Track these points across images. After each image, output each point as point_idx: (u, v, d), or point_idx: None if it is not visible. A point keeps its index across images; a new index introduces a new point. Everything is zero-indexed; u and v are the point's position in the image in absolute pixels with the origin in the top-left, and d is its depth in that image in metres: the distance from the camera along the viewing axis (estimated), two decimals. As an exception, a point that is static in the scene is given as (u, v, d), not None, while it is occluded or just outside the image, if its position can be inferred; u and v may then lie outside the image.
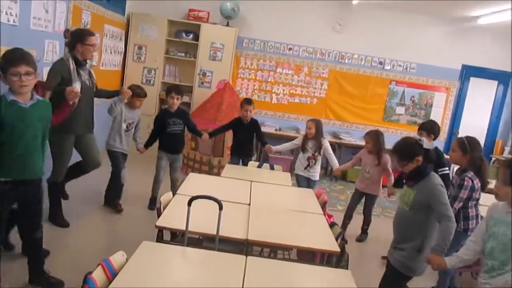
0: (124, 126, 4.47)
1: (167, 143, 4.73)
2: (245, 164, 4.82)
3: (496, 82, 7.82)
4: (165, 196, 3.07)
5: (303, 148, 4.71)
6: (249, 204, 3.26)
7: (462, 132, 7.77)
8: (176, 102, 4.66)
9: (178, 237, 3.23)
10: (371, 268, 3.98)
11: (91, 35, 3.88)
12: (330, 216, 3.38)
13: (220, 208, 2.52)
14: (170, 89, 4.73)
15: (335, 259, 2.72)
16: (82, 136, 4.00)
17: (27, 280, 2.94)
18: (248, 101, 4.84)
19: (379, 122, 7.75)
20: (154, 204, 4.58)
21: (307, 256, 3.21)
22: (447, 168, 4.09)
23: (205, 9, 7.15)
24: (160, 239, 2.76)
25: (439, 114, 7.82)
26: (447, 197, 2.70)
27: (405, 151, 2.81)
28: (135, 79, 6.88)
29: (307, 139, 4.68)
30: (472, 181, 3.31)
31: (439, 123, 7.60)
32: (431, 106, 7.83)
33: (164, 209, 2.92)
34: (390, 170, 4.56)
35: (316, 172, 4.75)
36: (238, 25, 7.21)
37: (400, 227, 2.82)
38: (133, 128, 4.60)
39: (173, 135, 4.71)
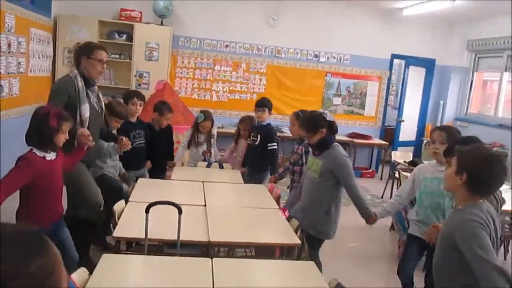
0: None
1: (132, 159, 4.04)
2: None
3: (424, 69, 8.30)
4: (117, 205, 2.96)
5: (196, 142, 4.53)
6: (205, 205, 3.23)
7: (407, 119, 8.22)
8: (139, 109, 4.08)
9: (133, 246, 3.14)
10: (336, 256, 4.06)
11: (100, 49, 3.31)
12: (284, 210, 3.43)
13: (180, 212, 2.48)
14: (130, 94, 4.15)
15: (297, 252, 2.77)
16: (90, 168, 3.44)
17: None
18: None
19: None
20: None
21: (266, 251, 3.24)
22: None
23: (138, 9, 6.95)
24: (117, 250, 2.66)
25: (374, 102, 8.18)
26: (351, 165, 3.09)
27: (310, 124, 3.12)
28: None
29: (198, 133, 4.52)
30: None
31: (374, 111, 8.04)
32: (365, 95, 8.16)
33: (118, 218, 2.81)
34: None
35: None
36: (172, 24, 7.08)
37: (310, 193, 3.16)
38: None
39: (138, 150, 4.07)
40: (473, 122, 7.84)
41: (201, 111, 4.66)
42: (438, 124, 8.36)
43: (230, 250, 3.34)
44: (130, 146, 3.59)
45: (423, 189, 2.94)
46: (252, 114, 4.72)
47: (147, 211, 2.44)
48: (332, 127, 3.10)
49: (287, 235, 2.79)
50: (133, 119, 4.11)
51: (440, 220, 2.80)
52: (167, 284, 2.04)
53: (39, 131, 2.58)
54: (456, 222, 1.94)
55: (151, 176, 4.23)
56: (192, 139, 4.57)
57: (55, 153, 2.68)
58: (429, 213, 2.91)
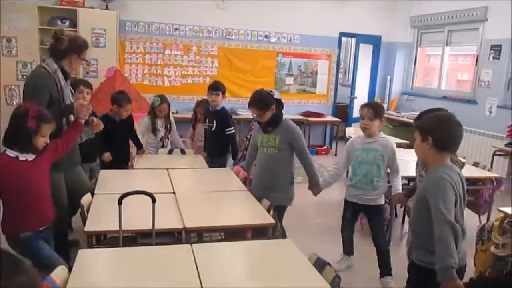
0: None
1: (83, 151, 3.65)
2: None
3: (371, 46, 8.53)
4: (85, 198, 2.87)
5: (153, 129, 4.47)
6: (174, 193, 3.19)
7: (358, 96, 8.43)
8: (87, 98, 3.81)
9: (104, 239, 3.06)
10: (305, 232, 4.14)
11: (87, 48, 3.11)
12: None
13: (153, 201, 2.44)
14: (76, 82, 3.82)
15: (271, 231, 2.81)
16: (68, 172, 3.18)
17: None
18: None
19: (271, 94, 7.99)
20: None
21: (237, 233, 3.26)
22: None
23: (80, -7, 6.62)
24: (90, 244, 2.59)
25: (324, 80, 8.34)
26: (302, 135, 3.38)
27: (261, 103, 3.23)
28: (9, 76, 6.20)
29: (156, 118, 4.47)
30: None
31: (325, 89, 8.19)
32: (316, 73, 8.29)
33: (87, 212, 2.73)
34: None
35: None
36: (118, 8, 6.80)
37: (272, 168, 3.32)
38: None
39: (89, 141, 3.81)
40: (418, 95, 8.21)
41: (156, 96, 4.59)
42: (387, 99, 8.68)
43: (199, 235, 3.33)
44: (102, 126, 3.30)
45: (355, 159, 3.39)
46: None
47: (119, 202, 2.39)
48: (280, 104, 3.27)
49: (261, 216, 2.83)
50: None
51: (369, 186, 3.33)
52: (154, 274, 2.02)
53: (16, 133, 2.41)
54: (430, 179, 2.15)
55: (113, 168, 3.98)
56: (150, 125, 4.50)
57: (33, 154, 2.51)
58: (361, 179, 3.36)
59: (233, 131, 4.36)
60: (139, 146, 4.38)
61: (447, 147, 2.14)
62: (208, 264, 2.13)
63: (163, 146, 4.56)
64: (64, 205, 3.08)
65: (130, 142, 4.40)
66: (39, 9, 6.37)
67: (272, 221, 2.75)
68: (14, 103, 6.23)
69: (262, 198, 3.08)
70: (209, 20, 7.47)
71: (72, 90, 3.26)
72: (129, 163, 4.28)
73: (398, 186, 3.35)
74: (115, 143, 4.10)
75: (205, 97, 4.71)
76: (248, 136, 4.11)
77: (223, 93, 4.34)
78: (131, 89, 6.30)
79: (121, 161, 4.15)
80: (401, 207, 4.61)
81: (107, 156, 4.04)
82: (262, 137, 3.34)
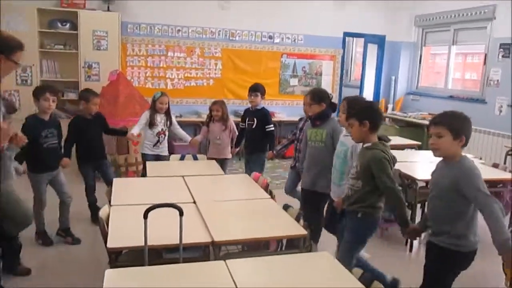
0: None
1: (46, 160, 3.69)
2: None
3: (376, 46, 8.41)
4: (103, 211, 2.69)
5: (151, 123, 4.55)
6: (194, 202, 3.03)
7: (365, 96, 8.29)
8: (52, 105, 3.65)
9: (123, 255, 2.88)
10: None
11: (22, 49, 2.77)
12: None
13: (181, 214, 2.28)
14: (43, 89, 3.66)
15: (303, 242, 2.65)
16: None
17: None
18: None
19: (275, 95, 7.86)
20: (47, 238, 3.81)
21: (259, 245, 3.09)
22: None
23: (80, -6, 6.43)
24: (113, 262, 2.41)
25: (329, 81, 8.20)
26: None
27: (316, 95, 3.68)
28: (8, 81, 5.97)
29: (155, 113, 4.56)
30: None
31: (330, 90, 8.05)
32: (321, 74, 8.16)
33: (107, 226, 2.56)
34: (236, 131, 4.88)
35: (165, 148, 4.72)
36: (120, 10, 6.62)
37: (318, 158, 3.60)
38: None
39: (52, 150, 3.71)
40: (424, 95, 8.10)
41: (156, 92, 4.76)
42: (392, 99, 8.57)
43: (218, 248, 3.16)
44: (26, 140, 3.00)
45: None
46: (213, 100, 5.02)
47: (145, 216, 2.22)
48: (332, 105, 3.71)
49: (292, 226, 2.68)
50: (46, 117, 3.66)
51: (341, 180, 3.23)
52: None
53: None
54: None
55: (89, 163, 4.23)
56: (150, 119, 4.56)
57: None
58: (335, 172, 3.36)
59: (273, 128, 4.70)
60: (123, 133, 4.65)
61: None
62: (247, 281, 1.97)
63: (158, 141, 4.61)
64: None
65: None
66: (38, 11, 6.17)
67: (305, 232, 2.60)
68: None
69: (311, 190, 3.63)
70: (212, 21, 7.30)
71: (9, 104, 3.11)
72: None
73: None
74: (89, 139, 4.20)
75: (211, 100, 5.02)
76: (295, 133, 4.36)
77: (262, 94, 4.70)
78: (134, 93, 6.15)
79: (97, 156, 4.30)
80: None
81: (66, 161, 3.89)
82: (310, 132, 3.67)
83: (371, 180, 2.67)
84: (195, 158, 4.37)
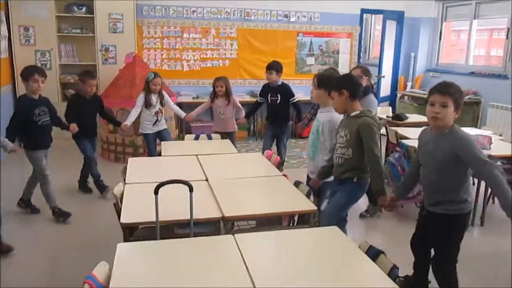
0: None
1: (41, 137, 3.90)
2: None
3: (394, 23, 8.23)
4: (117, 189, 2.76)
5: (148, 104, 4.74)
6: (207, 180, 3.07)
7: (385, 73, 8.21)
8: (42, 86, 3.81)
9: (138, 230, 2.96)
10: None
11: None
12: (285, 176, 3.32)
13: (191, 190, 2.32)
14: (31, 70, 3.77)
15: (312, 217, 2.67)
16: None
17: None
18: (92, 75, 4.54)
19: (292, 75, 7.80)
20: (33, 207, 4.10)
21: (270, 221, 3.13)
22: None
23: (95, -23, 6.46)
24: (127, 236, 2.48)
25: (347, 59, 8.09)
26: None
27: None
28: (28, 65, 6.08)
29: (150, 94, 4.73)
30: None
31: (347, 68, 7.94)
32: (338, 52, 8.05)
33: (121, 203, 2.63)
34: (240, 105, 5.12)
35: (163, 122, 4.95)
36: (135, -8, 6.65)
37: None
38: None
39: (46, 127, 3.93)
40: (444, 72, 7.91)
41: (150, 72, 4.92)
42: (411, 77, 8.41)
43: (231, 224, 3.21)
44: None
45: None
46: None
47: (156, 192, 2.27)
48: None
49: (302, 202, 2.70)
50: (36, 96, 3.84)
51: (314, 155, 3.26)
52: (199, 266, 1.90)
53: None
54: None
55: (82, 140, 4.46)
56: (145, 101, 4.73)
57: None
58: (309, 148, 3.35)
59: (297, 99, 5.03)
60: (116, 123, 4.87)
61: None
62: (254, 254, 2.01)
63: (157, 120, 4.82)
64: None
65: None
66: (55, -5, 6.25)
67: (315, 207, 2.62)
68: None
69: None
70: (227, 1, 7.26)
71: None
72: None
73: (318, 166, 3.19)
74: (83, 117, 4.40)
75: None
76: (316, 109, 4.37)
77: (278, 72, 4.94)
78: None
79: (89, 134, 4.55)
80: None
81: (73, 126, 4.20)
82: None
83: (362, 146, 2.76)
84: (210, 138, 4.41)
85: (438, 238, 2.54)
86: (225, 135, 4.77)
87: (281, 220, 3.06)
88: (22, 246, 3.44)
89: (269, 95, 5.01)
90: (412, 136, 4.43)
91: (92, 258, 1.99)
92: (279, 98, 4.96)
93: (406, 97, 8.04)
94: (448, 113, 2.32)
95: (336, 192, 2.97)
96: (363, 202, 4.01)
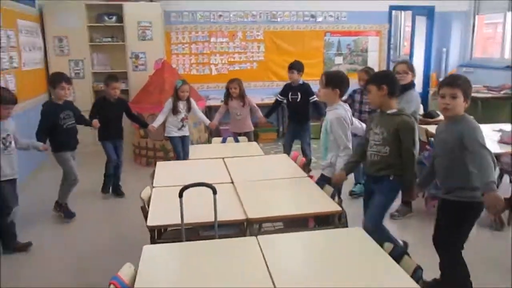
0: None
1: (67, 139, 4.11)
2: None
3: (424, 18, 8.06)
4: (144, 192, 2.84)
5: (174, 110, 4.80)
6: (232, 182, 3.11)
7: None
8: (68, 93, 4.10)
9: (165, 233, 3.03)
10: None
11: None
12: (311, 177, 3.32)
13: (214, 192, 2.36)
14: (59, 78, 4.02)
15: (337, 218, 2.66)
16: None
17: None
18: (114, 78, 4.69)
19: (320, 75, 7.71)
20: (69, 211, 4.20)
21: (297, 223, 3.13)
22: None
23: (124, -13, 6.64)
24: (153, 239, 2.54)
25: (376, 57, 7.97)
26: None
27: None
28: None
29: (178, 100, 4.79)
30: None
31: (377, 66, 7.82)
32: (366, 51, 7.94)
33: (148, 206, 2.69)
34: (255, 105, 5.20)
35: (187, 129, 4.97)
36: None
37: None
38: (12, 141, 3.47)
39: (71, 130, 4.14)
40: (478, 66, 7.68)
41: (178, 79, 5.01)
42: (443, 73, 8.20)
43: (259, 225, 3.23)
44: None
45: None
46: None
47: (180, 195, 2.32)
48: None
49: (326, 203, 2.69)
50: (60, 102, 4.08)
51: (323, 155, 3.34)
52: (221, 268, 1.94)
53: None
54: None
55: (107, 141, 4.67)
56: (173, 107, 4.80)
57: None
58: (322, 148, 3.41)
59: (316, 98, 5.01)
60: (143, 125, 5.02)
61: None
62: (277, 256, 2.02)
63: (182, 126, 4.87)
64: None
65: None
66: (86, 6, 6.46)
67: (339, 208, 2.60)
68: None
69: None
70: (253, 4, 7.30)
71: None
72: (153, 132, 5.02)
73: (339, 164, 3.15)
74: (107, 119, 4.60)
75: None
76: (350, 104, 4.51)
77: (299, 71, 5.04)
78: (179, 80, 6.28)
79: (113, 136, 4.71)
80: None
81: (95, 122, 4.42)
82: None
83: (399, 144, 2.77)
84: (237, 141, 4.45)
85: (449, 224, 2.57)
86: (242, 135, 4.91)
87: (307, 222, 3.06)
88: (51, 247, 3.62)
89: (290, 93, 5.12)
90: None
91: (119, 260, 2.05)
92: (299, 96, 5.05)
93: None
94: (458, 103, 2.43)
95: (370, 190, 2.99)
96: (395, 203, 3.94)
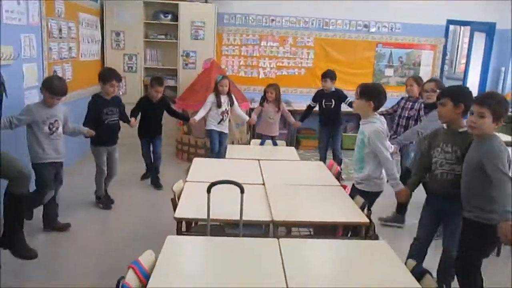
0: (45, 129, 3.46)
1: (106, 135, 4.16)
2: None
3: (484, 34, 7.75)
4: (176, 186, 2.91)
5: (218, 103, 5.00)
6: (264, 184, 3.13)
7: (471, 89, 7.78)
8: (116, 90, 4.21)
9: (194, 226, 3.10)
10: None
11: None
12: (344, 187, 3.28)
13: (242, 191, 2.38)
14: (110, 76, 4.11)
15: (364, 231, 2.62)
16: None
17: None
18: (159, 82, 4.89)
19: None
20: (107, 201, 4.35)
21: (327, 230, 3.10)
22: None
23: (182, -13, 6.84)
24: (179, 231, 2.61)
25: (428, 72, 7.74)
26: None
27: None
28: (117, 68, 6.49)
29: (219, 94, 4.99)
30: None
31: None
32: (419, 65, 7.74)
33: (178, 199, 2.77)
34: (287, 110, 5.51)
35: (226, 126, 5.21)
36: (217, 1, 6.93)
37: None
38: (60, 127, 3.57)
39: (112, 126, 4.21)
40: (539, 88, 7.28)
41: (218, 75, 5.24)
42: (500, 93, 7.83)
43: (287, 229, 3.23)
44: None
45: None
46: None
47: (208, 191, 2.36)
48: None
49: (354, 214, 2.65)
50: (108, 97, 4.17)
51: (356, 168, 3.24)
52: (239, 265, 1.96)
53: None
54: (488, 148, 2.42)
55: (147, 137, 4.94)
56: (216, 101, 5.01)
57: None
58: (353, 160, 3.37)
59: (350, 100, 5.17)
60: (185, 119, 5.26)
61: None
62: (294, 260, 2.02)
63: (222, 119, 5.07)
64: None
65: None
66: (144, 3, 6.71)
67: (366, 220, 2.56)
68: (120, 93, 6.63)
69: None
70: (306, 11, 7.31)
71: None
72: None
73: (392, 177, 3.04)
74: (147, 118, 4.89)
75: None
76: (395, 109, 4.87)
77: (332, 79, 5.37)
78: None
79: (150, 134, 4.94)
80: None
81: (133, 121, 4.59)
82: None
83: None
84: (275, 144, 4.47)
85: (468, 243, 2.54)
86: (268, 138, 4.94)
87: (336, 232, 3.03)
88: (87, 229, 3.86)
89: (324, 100, 5.42)
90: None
91: (146, 247, 2.11)
92: (333, 103, 5.37)
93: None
94: (484, 123, 2.38)
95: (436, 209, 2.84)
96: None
